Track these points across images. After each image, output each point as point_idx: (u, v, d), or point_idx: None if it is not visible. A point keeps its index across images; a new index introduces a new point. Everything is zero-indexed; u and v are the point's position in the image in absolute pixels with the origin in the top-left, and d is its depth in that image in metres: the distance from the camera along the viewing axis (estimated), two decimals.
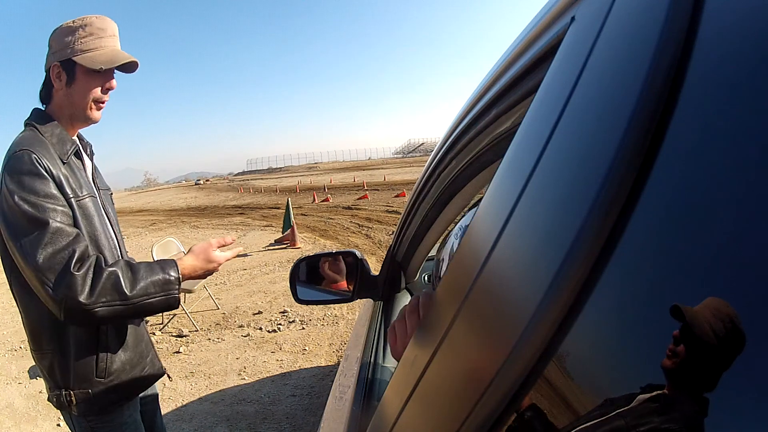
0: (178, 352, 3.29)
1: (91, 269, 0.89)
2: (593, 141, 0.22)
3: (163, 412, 2.59)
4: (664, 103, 0.19)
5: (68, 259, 0.87)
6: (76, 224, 0.94)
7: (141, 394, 1.15)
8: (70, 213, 0.93)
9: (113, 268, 0.91)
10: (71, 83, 0.99)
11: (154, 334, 3.64)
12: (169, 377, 1.29)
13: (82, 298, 0.86)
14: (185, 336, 3.58)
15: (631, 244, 0.19)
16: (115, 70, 1.03)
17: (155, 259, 0.99)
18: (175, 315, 3.97)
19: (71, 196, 0.95)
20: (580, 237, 0.20)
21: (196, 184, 46.83)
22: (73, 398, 0.99)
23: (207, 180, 60.67)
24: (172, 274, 0.98)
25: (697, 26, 0.19)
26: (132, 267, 0.95)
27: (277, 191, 21.15)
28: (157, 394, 1.30)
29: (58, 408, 1.03)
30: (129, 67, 1.05)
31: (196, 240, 8.15)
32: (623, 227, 0.19)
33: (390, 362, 0.94)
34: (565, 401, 0.20)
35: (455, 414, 0.26)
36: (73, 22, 0.99)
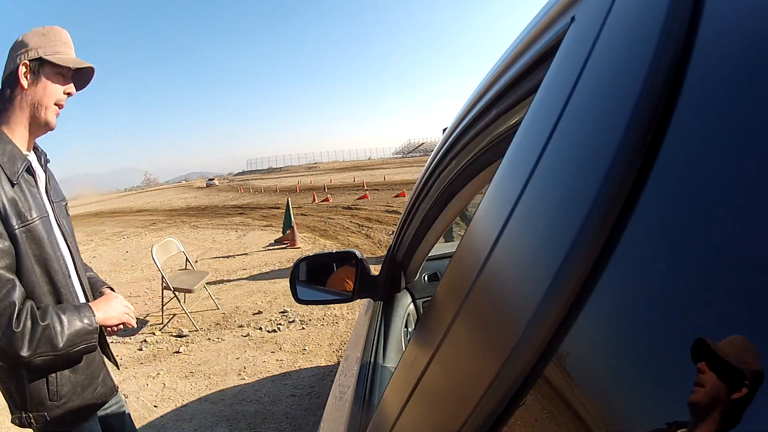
0: (178, 352, 3.29)
1: (29, 323, 0.95)
2: (593, 141, 0.22)
3: (163, 413, 2.58)
4: (664, 103, 0.19)
5: (9, 312, 0.92)
6: (19, 254, 0.97)
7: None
8: (12, 250, 0.95)
9: (47, 322, 0.97)
10: (38, 82, 1.02)
11: (154, 334, 3.64)
12: (117, 366, 1.34)
13: (23, 353, 0.93)
14: (185, 336, 3.58)
15: (631, 244, 0.19)
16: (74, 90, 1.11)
17: (76, 304, 1.10)
18: (174, 315, 3.98)
19: (17, 226, 0.96)
20: (580, 237, 0.20)
21: (207, 185, 46.26)
22: (33, 420, 1.04)
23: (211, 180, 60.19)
24: (93, 324, 1.06)
25: (697, 26, 0.19)
26: (60, 318, 1.00)
27: (277, 191, 21.15)
28: (122, 397, 1.34)
29: (20, 427, 1.08)
30: (85, 78, 1.13)
31: (196, 240, 8.15)
32: (623, 227, 0.19)
33: (390, 362, 0.94)
34: (565, 401, 0.20)
35: (455, 414, 0.26)
36: (42, 28, 1.06)
